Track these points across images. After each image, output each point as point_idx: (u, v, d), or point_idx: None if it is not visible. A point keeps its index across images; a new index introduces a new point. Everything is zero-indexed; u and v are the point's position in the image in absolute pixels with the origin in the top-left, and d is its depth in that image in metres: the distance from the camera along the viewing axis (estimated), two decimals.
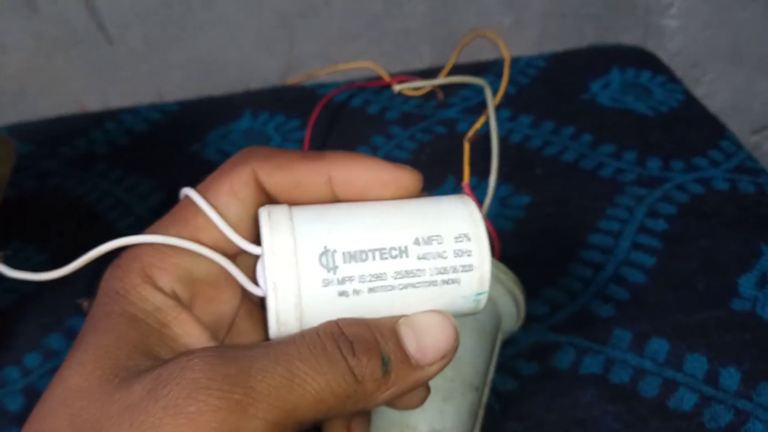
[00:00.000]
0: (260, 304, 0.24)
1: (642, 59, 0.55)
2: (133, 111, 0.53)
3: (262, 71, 0.65)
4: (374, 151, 0.48)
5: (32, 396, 0.35)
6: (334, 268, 0.20)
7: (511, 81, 0.42)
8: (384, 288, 0.20)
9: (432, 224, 0.21)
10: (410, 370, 0.21)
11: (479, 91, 0.52)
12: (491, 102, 0.30)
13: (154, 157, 0.48)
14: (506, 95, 0.42)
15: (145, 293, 0.21)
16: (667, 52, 0.62)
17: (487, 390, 0.30)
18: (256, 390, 0.18)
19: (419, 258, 0.20)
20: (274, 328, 0.20)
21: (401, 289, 0.20)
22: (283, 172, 0.22)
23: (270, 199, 0.22)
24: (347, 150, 0.22)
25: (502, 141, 0.34)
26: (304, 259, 0.19)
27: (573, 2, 0.64)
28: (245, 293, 0.23)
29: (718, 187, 0.42)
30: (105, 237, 0.21)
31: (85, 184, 0.47)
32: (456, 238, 0.21)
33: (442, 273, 0.21)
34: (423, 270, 0.20)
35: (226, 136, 0.50)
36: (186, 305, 0.21)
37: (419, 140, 0.48)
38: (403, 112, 0.51)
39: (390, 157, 0.44)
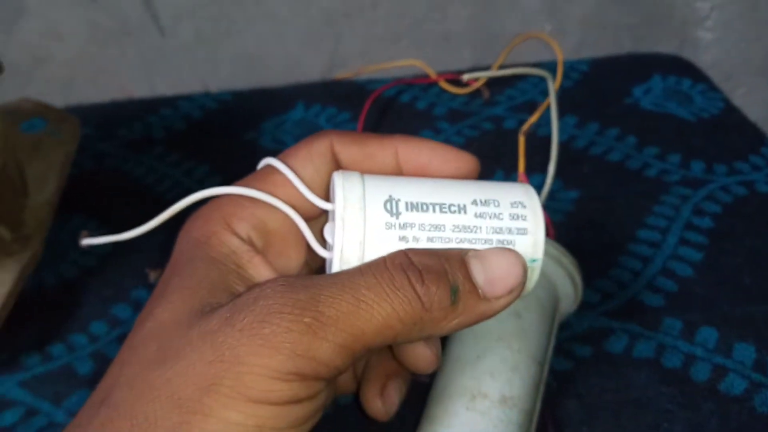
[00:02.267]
0: (319, 271, 0.25)
1: (682, 67, 0.56)
2: (188, 98, 0.55)
3: (307, 68, 0.66)
4: None
5: (101, 361, 0.36)
6: (397, 214, 0.21)
7: None
8: (442, 240, 0.22)
9: (489, 191, 0.23)
10: (478, 301, 0.21)
11: (525, 90, 0.53)
12: (553, 90, 0.32)
13: (210, 143, 0.50)
14: None
15: (224, 238, 0.22)
16: (701, 64, 0.63)
17: (547, 366, 0.31)
18: (324, 315, 0.19)
19: (476, 216, 0.22)
20: (336, 264, 0.21)
21: (458, 243, 0.22)
22: (356, 145, 0.24)
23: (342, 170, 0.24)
24: None
25: (549, 139, 0.35)
26: (371, 204, 0.21)
27: (612, 12, 0.66)
28: (307, 259, 0.25)
29: (760, 190, 0.44)
30: None
31: (142, 165, 0.48)
32: (512, 203, 0.22)
33: (498, 232, 0.22)
34: (479, 227, 0.22)
35: (280, 126, 0.51)
36: (260, 251, 0.23)
37: (467, 135, 0.50)
38: (450, 109, 0.52)
39: None
